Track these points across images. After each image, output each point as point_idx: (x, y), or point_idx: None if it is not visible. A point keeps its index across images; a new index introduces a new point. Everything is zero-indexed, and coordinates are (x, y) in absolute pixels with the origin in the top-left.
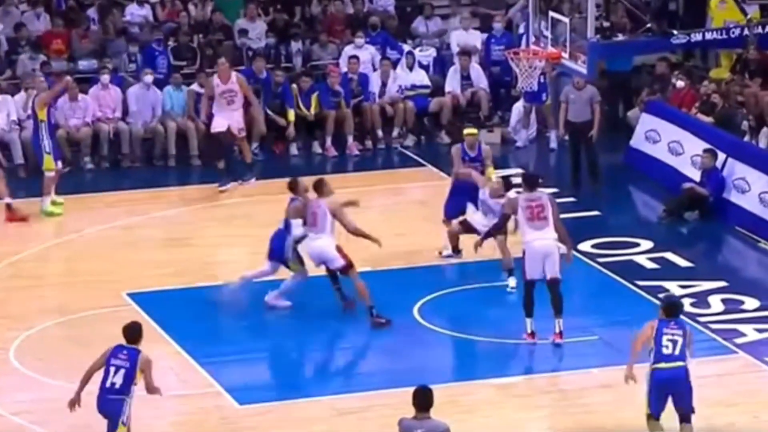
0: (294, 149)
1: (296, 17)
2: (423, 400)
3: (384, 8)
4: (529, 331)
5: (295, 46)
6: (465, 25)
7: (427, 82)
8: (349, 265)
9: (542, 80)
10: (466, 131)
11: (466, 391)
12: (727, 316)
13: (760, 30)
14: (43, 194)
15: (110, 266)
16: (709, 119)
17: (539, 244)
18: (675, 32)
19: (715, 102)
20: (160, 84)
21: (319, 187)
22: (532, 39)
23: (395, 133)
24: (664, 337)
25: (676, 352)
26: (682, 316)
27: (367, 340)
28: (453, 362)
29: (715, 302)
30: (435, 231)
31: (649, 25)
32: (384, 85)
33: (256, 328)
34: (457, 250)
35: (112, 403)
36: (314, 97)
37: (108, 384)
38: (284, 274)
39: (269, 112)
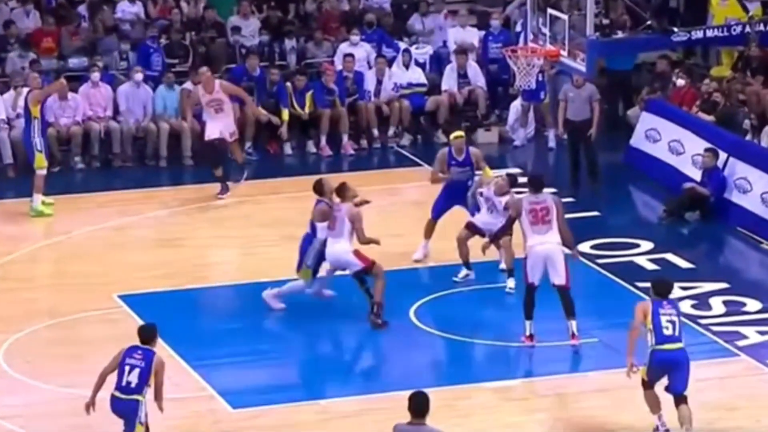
0: (288, 149)
1: (290, 14)
2: (419, 405)
3: (379, 5)
4: (527, 333)
5: (289, 43)
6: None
7: (423, 80)
8: (370, 266)
9: (540, 78)
10: (452, 135)
11: (462, 395)
12: (729, 318)
13: (761, 27)
14: (34, 192)
15: (101, 268)
16: (710, 118)
17: (541, 248)
18: (675, 29)
19: (717, 100)
20: (155, 82)
21: (342, 192)
22: (530, 36)
23: (391, 132)
24: (663, 318)
25: (676, 333)
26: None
27: (362, 343)
28: (449, 365)
29: (717, 304)
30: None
31: (649, 23)
32: (380, 83)
33: (249, 330)
34: (468, 266)
35: (127, 403)
36: (309, 95)
37: (123, 383)
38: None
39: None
